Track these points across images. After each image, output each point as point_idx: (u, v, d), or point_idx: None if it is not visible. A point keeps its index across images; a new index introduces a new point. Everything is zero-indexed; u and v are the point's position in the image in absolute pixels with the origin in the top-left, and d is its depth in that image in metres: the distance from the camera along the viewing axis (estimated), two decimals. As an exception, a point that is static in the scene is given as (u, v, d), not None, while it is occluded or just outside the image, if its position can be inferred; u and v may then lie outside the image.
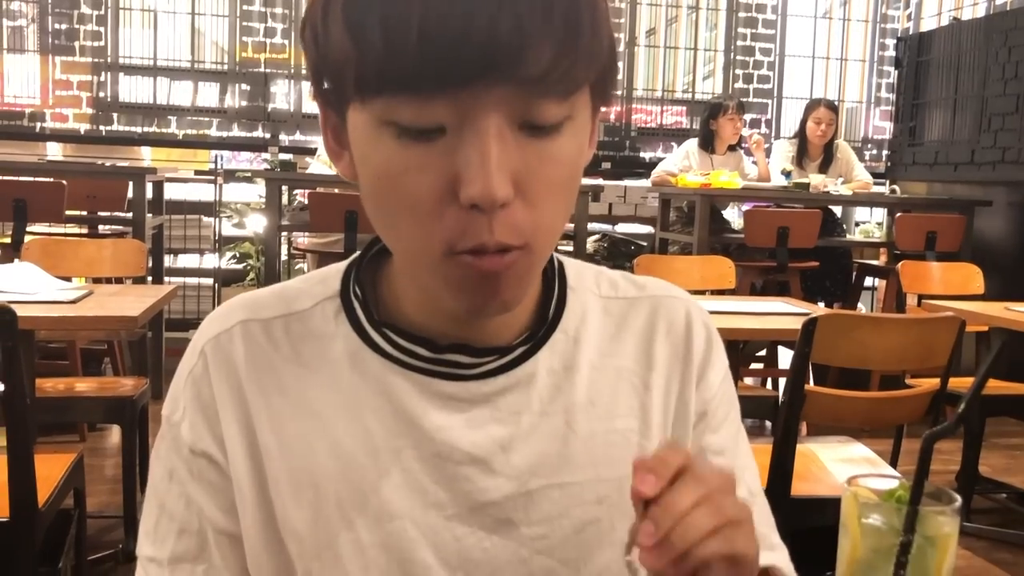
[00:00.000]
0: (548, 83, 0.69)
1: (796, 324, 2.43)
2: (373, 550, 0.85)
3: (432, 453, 0.85)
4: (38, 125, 6.21)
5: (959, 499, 0.70)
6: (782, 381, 4.11)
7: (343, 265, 0.93)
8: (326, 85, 0.76)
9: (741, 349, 4.60)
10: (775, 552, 0.94)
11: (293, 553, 0.85)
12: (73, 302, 2.57)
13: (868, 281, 5.89)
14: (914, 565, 0.67)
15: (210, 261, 5.88)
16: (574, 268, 0.96)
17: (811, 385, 2.50)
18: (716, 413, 0.95)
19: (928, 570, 0.68)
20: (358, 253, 0.93)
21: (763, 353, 5.11)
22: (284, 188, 5.15)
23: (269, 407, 0.86)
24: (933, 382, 2.64)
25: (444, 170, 0.71)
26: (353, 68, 0.70)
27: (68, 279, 3.03)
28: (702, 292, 3.85)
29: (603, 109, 0.84)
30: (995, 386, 3.62)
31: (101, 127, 6.27)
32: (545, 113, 0.71)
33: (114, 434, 4.08)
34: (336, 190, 4.54)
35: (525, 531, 0.86)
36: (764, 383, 5.03)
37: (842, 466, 2.63)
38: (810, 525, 2.28)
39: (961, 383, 3.25)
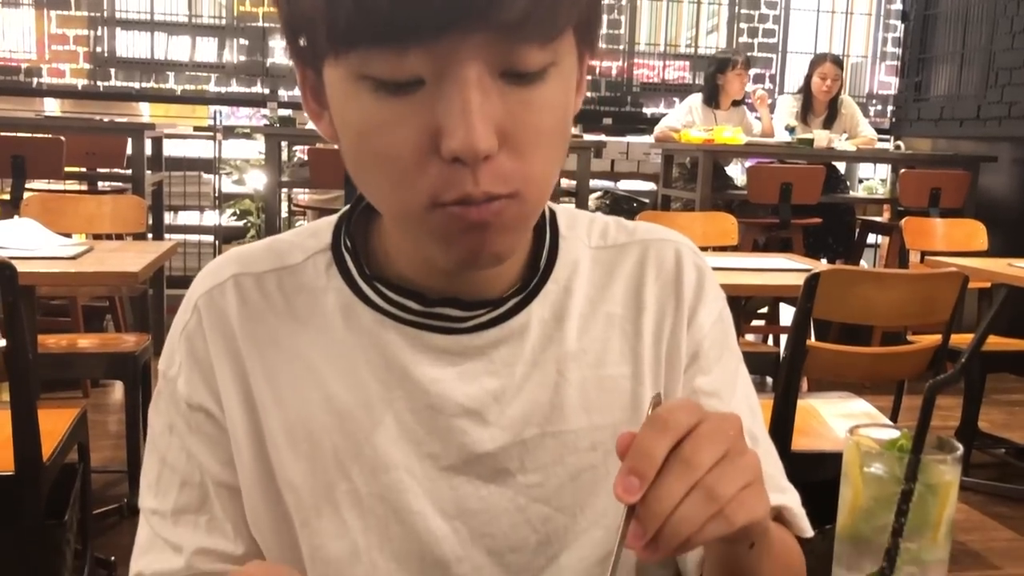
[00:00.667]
0: (528, 28, 0.67)
1: (798, 280, 2.42)
2: (370, 500, 0.85)
3: (425, 405, 0.85)
4: (34, 80, 6.16)
5: (960, 448, 0.70)
6: (783, 338, 4.11)
7: (334, 218, 0.92)
8: (301, 42, 0.75)
9: (743, 306, 4.60)
10: (785, 494, 0.92)
11: (291, 505, 0.86)
12: (73, 258, 2.56)
13: (871, 238, 5.87)
14: (915, 513, 0.67)
15: (210, 218, 5.87)
16: (567, 216, 0.94)
17: (812, 340, 2.50)
18: (708, 355, 0.93)
19: (929, 518, 0.68)
20: (348, 206, 0.93)
21: (765, 310, 5.11)
22: (283, 144, 5.12)
23: (263, 360, 0.86)
24: (935, 338, 2.64)
25: (424, 123, 0.69)
26: (325, 21, 0.68)
27: (68, 235, 3.02)
28: (704, 249, 3.83)
29: (591, 58, 0.81)
30: (996, 342, 3.62)
31: (98, 83, 6.23)
32: (527, 60, 0.69)
33: (117, 390, 4.10)
34: (336, 146, 4.49)
35: (521, 480, 0.87)
36: (766, 340, 5.03)
37: (843, 421, 2.64)
38: (811, 479, 2.30)
39: (963, 339, 3.26)
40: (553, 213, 0.93)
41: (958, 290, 2.49)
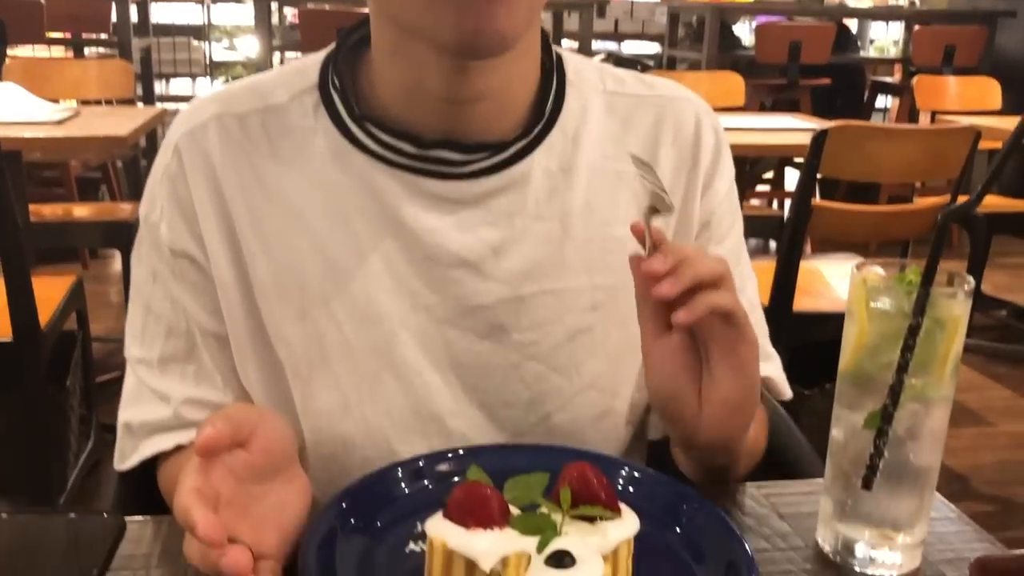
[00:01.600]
0: None
1: (806, 139, 2.35)
2: (362, 352, 0.82)
3: (422, 256, 0.82)
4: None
5: (972, 281, 0.66)
6: (788, 203, 4.05)
7: (320, 55, 0.86)
8: None
9: (748, 170, 4.52)
10: (769, 362, 0.93)
11: (282, 356, 0.83)
12: (59, 122, 2.50)
13: (880, 101, 5.73)
14: (921, 349, 0.64)
15: (203, 86, 5.74)
16: (574, 63, 0.89)
17: (818, 200, 2.45)
18: (720, 224, 0.91)
19: (935, 354, 0.65)
20: (334, 44, 0.86)
21: (770, 175, 5.03)
22: (274, 7, 4.94)
23: (249, 205, 0.82)
24: (942, 198, 2.59)
25: None
26: None
27: (55, 101, 2.93)
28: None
29: None
30: (1001, 204, 3.57)
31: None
32: None
33: (116, 261, 4.08)
34: (327, 6, 4.35)
35: (516, 337, 0.84)
36: (770, 204, 4.98)
37: (846, 283, 2.61)
38: (812, 340, 2.30)
39: (970, 200, 3.18)
40: (560, 58, 0.87)
41: (969, 147, 2.41)
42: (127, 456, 0.87)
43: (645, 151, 0.87)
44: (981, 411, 3.19)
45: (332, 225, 0.82)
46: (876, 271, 0.69)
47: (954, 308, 0.65)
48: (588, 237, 0.85)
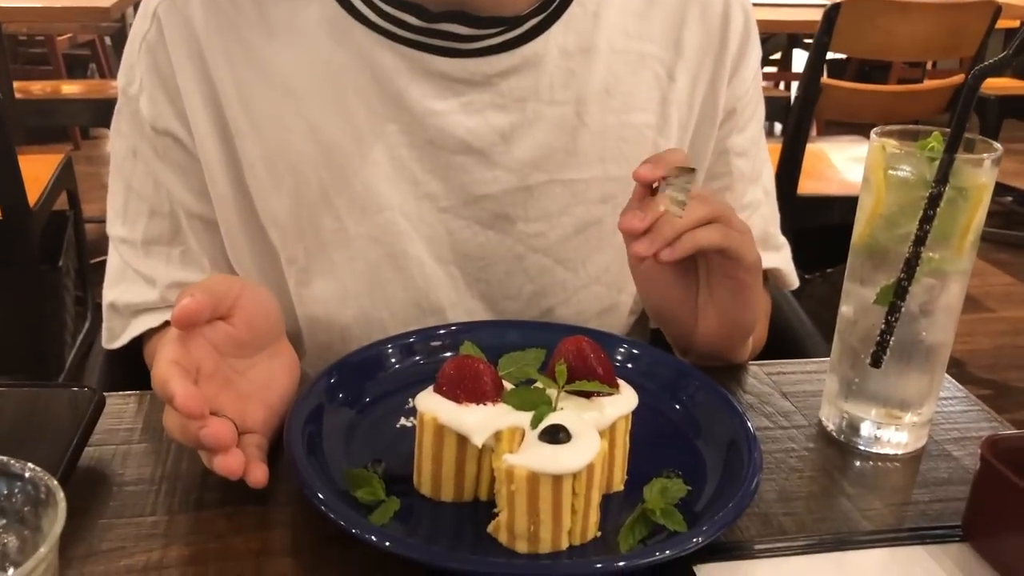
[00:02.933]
0: None
1: (817, 15, 2.25)
2: (360, 241, 0.78)
3: (424, 140, 0.77)
4: None
5: (1000, 148, 0.62)
6: (795, 85, 3.93)
7: None
8: None
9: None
10: (779, 252, 0.91)
11: (275, 240, 0.79)
12: (39, -8, 2.39)
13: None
14: (942, 220, 0.60)
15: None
16: None
17: (827, 79, 2.37)
18: (744, 112, 0.86)
19: (956, 225, 0.62)
20: None
21: (778, 56, 4.89)
22: None
23: (236, 80, 0.76)
24: (955, 78, 2.50)
25: None
26: None
27: (34, -29, 2.80)
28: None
29: None
30: (1013, 86, 3.47)
31: None
32: None
33: (108, 141, 4.01)
34: None
35: (522, 228, 0.80)
36: (776, 86, 4.85)
37: (853, 165, 2.55)
38: (816, 224, 2.26)
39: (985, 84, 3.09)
40: None
41: (987, 23, 2.32)
42: (116, 335, 0.84)
43: (669, 31, 0.82)
44: (981, 296, 3.18)
45: (328, 105, 0.76)
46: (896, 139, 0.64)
47: (979, 176, 0.61)
48: (604, 124, 0.80)
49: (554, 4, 0.77)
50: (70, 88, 3.24)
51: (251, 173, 0.78)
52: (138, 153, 0.80)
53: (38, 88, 3.07)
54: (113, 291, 0.84)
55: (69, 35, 3.96)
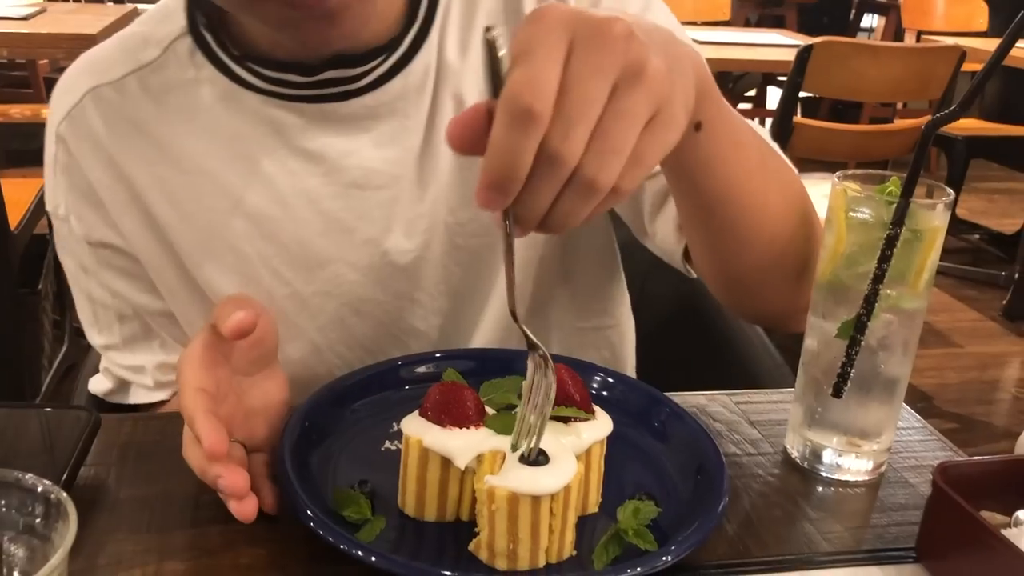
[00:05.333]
0: None
1: (790, 56, 2.32)
2: (316, 299, 0.80)
3: (347, 185, 0.78)
4: None
5: (952, 193, 0.66)
6: (769, 122, 4.02)
7: None
8: None
9: (731, 87, 4.47)
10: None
11: None
12: (25, 18, 2.42)
13: (867, 20, 5.66)
14: (898, 259, 0.64)
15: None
16: None
17: (799, 117, 2.44)
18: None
19: (912, 265, 0.66)
20: None
21: (752, 93, 4.98)
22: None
23: (153, 176, 0.77)
24: (923, 119, 2.58)
25: None
26: None
27: (19, -4, 2.83)
28: (694, 23, 3.67)
29: None
30: (981, 127, 3.57)
31: None
32: None
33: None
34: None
35: (452, 221, 0.81)
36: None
37: (822, 202, 2.61)
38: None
39: (950, 126, 3.17)
40: None
41: (953, 67, 2.40)
42: (112, 395, 0.87)
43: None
44: (949, 332, 3.24)
45: (245, 177, 0.77)
46: (856, 182, 0.68)
47: (933, 219, 0.65)
48: (481, 95, 0.77)
49: (422, 10, 0.78)
50: (52, 112, 3.24)
51: (190, 259, 0.79)
52: (86, 268, 0.82)
53: (18, 112, 3.08)
54: (105, 363, 0.87)
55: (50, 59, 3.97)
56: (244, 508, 0.55)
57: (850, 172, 0.69)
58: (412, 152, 0.79)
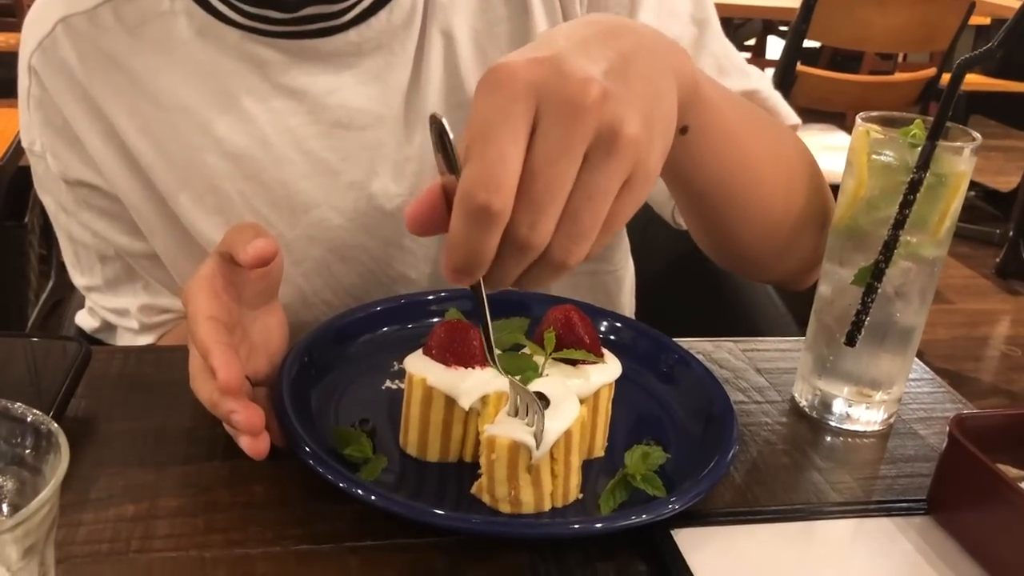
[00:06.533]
0: None
1: (795, 3, 2.28)
2: (300, 243, 0.77)
3: (331, 124, 0.75)
4: None
5: (979, 138, 0.64)
6: (770, 71, 3.96)
7: None
8: None
9: (731, 35, 4.41)
10: (750, 78, 0.80)
11: None
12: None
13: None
14: (921, 205, 0.62)
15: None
16: None
17: (801, 66, 2.40)
18: None
19: (934, 211, 0.63)
20: None
21: (753, 42, 4.92)
22: None
23: (130, 111, 0.74)
24: (926, 71, 2.55)
25: None
26: None
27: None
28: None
29: None
30: (981, 82, 3.53)
31: None
32: None
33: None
34: None
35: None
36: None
37: (823, 153, 2.58)
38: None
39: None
40: None
41: (961, 18, 2.36)
42: (98, 332, 0.85)
43: None
44: (941, 288, 3.25)
45: (224, 114, 0.74)
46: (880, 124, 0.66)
47: (959, 164, 0.63)
48: (474, 30, 0.76)
49: None
50: (37, 42, 3.16)
51: (172, 199, 0.76)
52: (65, 207, 0.79)
53: (2, 40, 3.00)
54: (89, 304, 0.85)
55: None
56: (258, 445, 0.53)
57: (873, 113, 0.66)
58: (398, 91, 0.76)
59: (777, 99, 0.82)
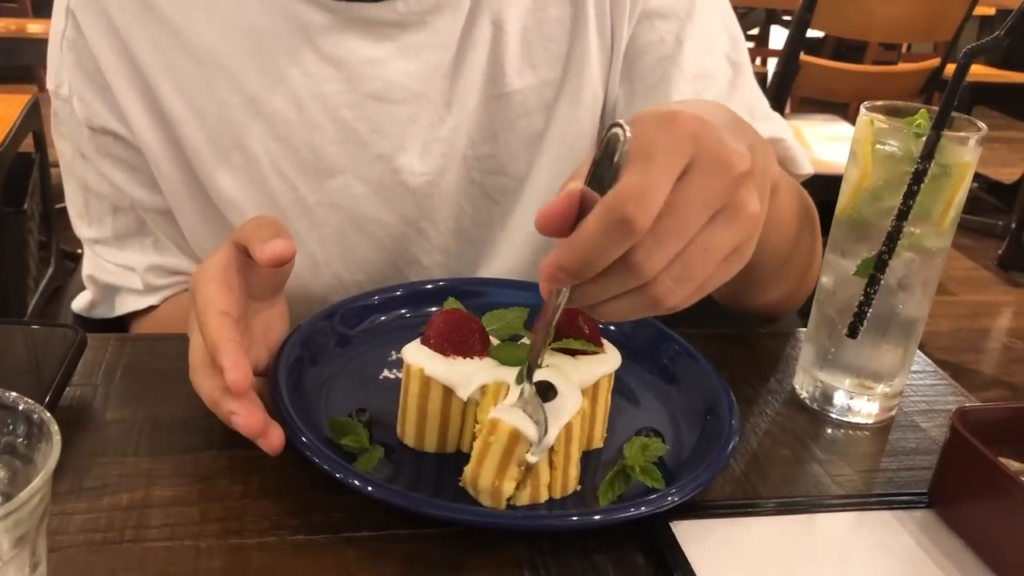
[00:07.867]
0: None
1: (798, -10, 2.26)
2: (320, 209, 0.77)
3: (366, 95, 0.75)
4: None
5: (985, 128, 0.63)
6: (772, 61, 3.95)
7: None
8: None
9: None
10: (774, 123, 0.83)
11: (233, 220, 0.77)
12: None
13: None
14: (925, 196, 0.62)
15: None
16: None
17: (805, 56, 2.38)
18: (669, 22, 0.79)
19: (939, 202, 0.63)
20: None
21: (755, 32, 4.90)
22: None
23: (164, 63, 0.73)
24: (929, 62, 2.53)
25: None
26: None
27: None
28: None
29: None
30: (985, 73, 3.52)
31: None
32: None
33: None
34: None
35: (470, 154, 0.79)
36: (753, 62, 4.87)
37: (826, 144, 2.57)
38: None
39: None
40: None
41: (966, 8, 2.35)
42: (96, 306, 0.84)
43: None
44: (943, 280, 3.21)
45: (262, 74, 0.74)
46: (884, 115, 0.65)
47: (964, 154, 0.62)
48: (523, 25, 0.77)
49: None
50: (36, 27, 3.15)
51: (196, 156, 0.76)
52: (84, 154, 0.78)
53: (2, 26, 2.99)
54: (91, 265, 0.84)
55: (37, -27, 3.85)
56: (270, 442, 0.52)
57: (878, 103, 0.66)
58: (439, 71, 0.76)
59: (797, 148, 0.84)
